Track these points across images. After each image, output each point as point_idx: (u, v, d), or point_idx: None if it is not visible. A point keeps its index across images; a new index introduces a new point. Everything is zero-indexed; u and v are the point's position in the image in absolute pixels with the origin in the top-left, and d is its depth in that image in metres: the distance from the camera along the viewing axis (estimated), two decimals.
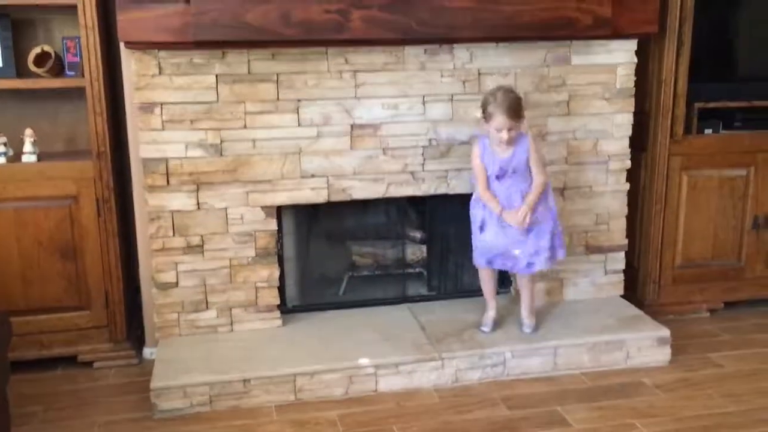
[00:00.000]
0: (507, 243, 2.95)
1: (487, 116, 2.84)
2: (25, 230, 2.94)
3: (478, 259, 3.06)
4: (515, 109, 2.81)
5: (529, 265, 2.99)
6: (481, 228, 3.00)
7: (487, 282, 3.13)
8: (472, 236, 3.05)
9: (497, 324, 3.11)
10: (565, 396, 2.86)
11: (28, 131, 2.96)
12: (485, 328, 3.09)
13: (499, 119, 2.80)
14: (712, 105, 3.45)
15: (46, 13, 3.10)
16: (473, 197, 3.04)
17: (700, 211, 3.49)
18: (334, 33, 2.82)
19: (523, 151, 2.89)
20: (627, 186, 3.36)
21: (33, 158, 2.96)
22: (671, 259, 3.52)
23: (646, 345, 3.08)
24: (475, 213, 3.02)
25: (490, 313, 3.12)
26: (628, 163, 3.33)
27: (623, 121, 3.28)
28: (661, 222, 3.46)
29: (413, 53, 3.03)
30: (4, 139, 2.94)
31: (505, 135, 2.82)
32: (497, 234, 2.96)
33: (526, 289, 3.11)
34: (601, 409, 2.77)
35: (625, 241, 3.41)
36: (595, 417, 2.71)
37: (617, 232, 3.39)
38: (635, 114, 3.30)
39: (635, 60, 3.24)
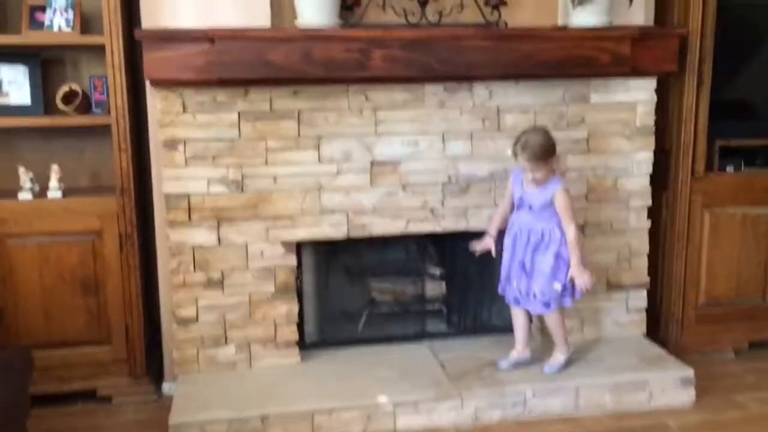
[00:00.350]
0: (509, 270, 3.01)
1: (514, 155, 2.87)
2: (48, 265, 2.98)
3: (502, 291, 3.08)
4: (536, 152, 2.82)
5: (516, 301, 3.00)
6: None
7: (514, 317, 3.10)
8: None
9: (518, 366, 3.07)
10: None
11: (55, 167, 3.01)
12: (502, 363, 3.06)
13: (520, 161, 2.85)
14: (733, 143, 3.43)
15: (74, 52, 3.17)
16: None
17: (722, 249, 3.46)
18: (355, 71, 2.86)
19: (549, 193, 2.89)
20: (648, 223, 3.34)
21: (58, 194, 3.00)
22: (694, 298, 3.47)
23: (669, 386, 3.03)
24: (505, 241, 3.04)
25: (513, 352, 3.09)
26: (649, 201, 3.32)
27: (644, 158, 3.27)
28: (684, 260, 3.43)
29: (433, 91, 3.06)
30: (30, 175, 3.00)
31: (529, 175, 2.86)
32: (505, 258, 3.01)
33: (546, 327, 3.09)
34: None
35: (647, 279, 3.38)
36: None
37: (639, 269, 3.35)
38: (656, 152, 3.29)
39: (655, 98, 3.24)
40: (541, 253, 2.93)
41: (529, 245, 2.93)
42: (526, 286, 2.97)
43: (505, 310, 3.44)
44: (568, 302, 3.00)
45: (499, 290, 3.08)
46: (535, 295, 2.96)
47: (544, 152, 2.84)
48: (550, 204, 2.90)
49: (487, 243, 3.02)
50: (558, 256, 2.92)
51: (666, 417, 2.95)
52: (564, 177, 3.01)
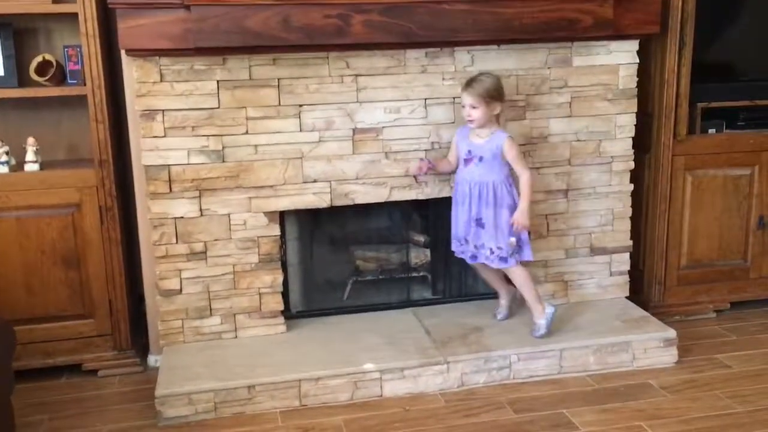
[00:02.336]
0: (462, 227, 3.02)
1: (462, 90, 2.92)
2: (28, 239, 2.94)
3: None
4: (485, 88, 2.87)
5: (473, 257, 3.02)
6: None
7: (480, 271, 3.14)
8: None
9: (511, 312, 3.17)
10: (572, 399, 2.84)
11: (31, 140, 2.96)
12: (498, 315, 3.16)
13: (463, 95, 2.90)
14: (715, 105, 3.43)
15: (47, 21, 3.10)
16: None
17: (704, 211, 3.48)
18: (335, 37, 2.82)
19: (495, 145, 2.92)
20: (631, 187, 3.35)
21: (35, 167, 2.96)
22: (676, 260, 3.51)
23: (652, 346, 3.07)
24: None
25: (501, 301, 3.17)
26: (631, 164, 3.32)
27: (626, 121, 3.27)
28: (666, 222, 3.45)
29: (414, 56, 3.03)
30: (6, 148, 2.94)
31: (467, 110, 2.88)
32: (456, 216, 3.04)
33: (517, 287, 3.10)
34: (608, 411, 2.75)
35: (630, 242, 3.40)
36: (602, 419, 2.70)
37: (622, 233, 3.37)
38: (638, 115, 3.29)
39: (637, 60, 3.23)
40: (495, 207, 2.93)
41: (482, 200, 2.94)
42: (482, 242, 2.97)
43: None
44: (527, 254, 3.01)
45: (453, 249, 3.08)
46: (492, 250, 2.96)
47: (489, 92, 2.88)
48: (499, 155, 2.92)
49: (421, 165, 3.03)
50: (513, 209, 2.94)
51: (649, 377, 2.99)
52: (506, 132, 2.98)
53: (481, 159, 2.93)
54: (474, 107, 2.87)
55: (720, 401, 2.82)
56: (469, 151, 2.95)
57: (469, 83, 2.89)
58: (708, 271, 3.55)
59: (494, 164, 2.93)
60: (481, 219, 2.96)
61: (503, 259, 2.97)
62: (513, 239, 2.94)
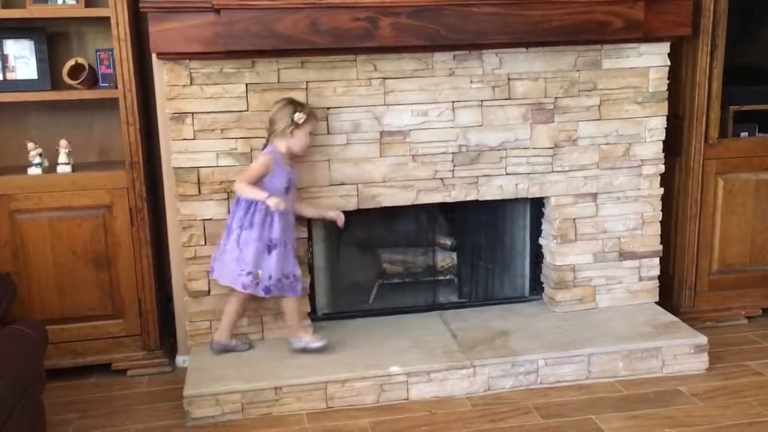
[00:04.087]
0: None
1: (302, 122, 2.81)
2: (60, 240, 2.98)
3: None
4: None
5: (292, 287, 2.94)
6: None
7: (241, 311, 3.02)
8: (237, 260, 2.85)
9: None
10: (600, 404, 2.81)
11: (63, 142, 3.01)
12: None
13: (315, 123, 2.88)
14: (747, 108, 3.38)
15: (80, 25, 3.15)
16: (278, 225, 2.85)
17: (736, 215, 3.43)
18: (363, 40, 2.83)
19: (296, 175, 2.91)
20: (661, 191, 3.31)
21: (68, 169, 3.00)
22: (707, 265, 3.46)
23: (682, 352, 3.02)
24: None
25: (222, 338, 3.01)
26: (661, 168, 3.28)
27: (656, 125, 3.24)
28: (697, 227, 3.40)
29: (442, 59, 3.02)
30: (39, 150, 2.99)
31: (305, 144, 2.85)
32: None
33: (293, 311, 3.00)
34: (637, 417, 2.72)
35: (660, 247, 3.35)
36: (631, 426, 2.66)
37: (652, 237, 3.33)
38: (669, 118, 3.25)
39: (668, 63, 3.19)
40: (293, 230, 2.94)
41: (290, 225, 2.91)
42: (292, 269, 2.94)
43: (517, 280, 3.45)
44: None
45: (264, 292, 2.87)
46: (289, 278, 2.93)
47: None
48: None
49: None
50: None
51: (679, 383, 2.95)
52: None
53: (292, 186, 2.90)
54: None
55: (752, 409, 2.77)
56: (289, 179, 2.87)
57: (312, 116, 2.86)
58: (740, 277, 3.50)
59: (296, 195, 2.95)
60: (292, 245, 2.95)
61: (294, 289, 2.96)
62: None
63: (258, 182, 2.80)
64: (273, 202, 2.73)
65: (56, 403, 2.87)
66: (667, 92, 3.22)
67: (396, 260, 3.50)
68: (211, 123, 2.92)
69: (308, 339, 2.98)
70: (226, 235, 2.88)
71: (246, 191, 2.78)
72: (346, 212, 3.10)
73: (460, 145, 3.11)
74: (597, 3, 2.93)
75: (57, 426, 2.73)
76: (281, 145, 2.85)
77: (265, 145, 2.89)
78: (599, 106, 3.17)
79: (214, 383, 2.77)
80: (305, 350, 2.96)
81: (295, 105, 2.84)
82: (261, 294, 2.88)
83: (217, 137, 2.93)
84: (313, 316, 3.20)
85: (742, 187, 3.41)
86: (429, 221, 3.48)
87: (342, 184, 3.04)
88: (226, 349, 2.98)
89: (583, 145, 3.19)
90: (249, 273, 2.83)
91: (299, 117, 2.80)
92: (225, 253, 2.87)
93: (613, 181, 3.25)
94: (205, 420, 2.72)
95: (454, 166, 3.12)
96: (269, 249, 2.85)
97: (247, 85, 2.91)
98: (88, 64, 3.02)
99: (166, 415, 2.81)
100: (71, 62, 2.99)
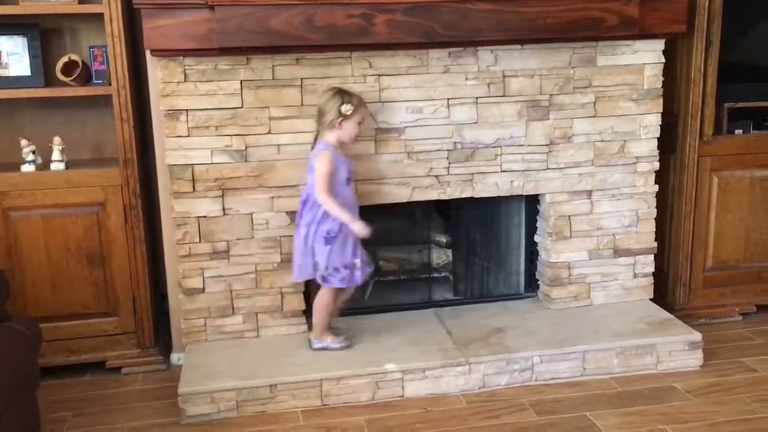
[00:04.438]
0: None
1: (351, 113, 2.78)
2: (54, 237, 2.97)
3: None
4: None
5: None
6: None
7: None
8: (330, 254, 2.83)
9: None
10: (595, 401, 2.82)
11: (57, 139, 2.99)
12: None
13: (365, 112, 2.84)
14: (741, 105, 3.39)
15: (73, 22, 3.14)
16: (322, 212, 2.80)
17: (731, 212, 3.43)
18: (358, 37, 2.82)
19: (349, 161, 2.89)
20: (656, 188, 3.31)
21: (61, 166, 2.99)
22: (702, 262, 3.46)
23: (677, 349, 3.03)
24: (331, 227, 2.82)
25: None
26: (656, 165, 3.29)
27: (651, 122, 3.24)
28: (691, 224, 3.41)
29: (437, 56, 3.02)
30: (33, 148, 2.98)
31: (353, 134, 2.83)
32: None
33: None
34: (632, 414, 2.72)
35: (655, 244, 3.36)
36: (626, 422, 2.67)
37: (646, 234, 3.34)
38: (663, 115, 3.25)
39: (663, 60, 3.20)
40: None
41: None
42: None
43: (512, 277, 3.45)
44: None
45: (357, 280, 2.90)
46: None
47: None
48: None
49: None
50: None
51: (673, 380, 2.96)
52: None
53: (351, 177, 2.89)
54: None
55: (746, 405, 2.78)
56: (348, 170, 2.87)
57: (361, 104, 2.83)
58: (734, 274, 3.51)
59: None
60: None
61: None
62: None
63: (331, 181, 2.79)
64: (357, 227, 2.78)
65: (50, 401, 2.86)
66: (662, 89, 3.22)
67: (391, 257, 3.50)
68: (205, 120, 2.91)
69: (329, 340, 2.98)
70: (297, 234, 2.88)
71: (333, 209, 2.77)
72: None
73: (455, 142, 3.10)
74: (592, 0, 2.93)
75: (51, 424, 2.72)
76: (331, 136, 2.83)
77: (316, 137, 2.87)
78: (594, 103, 3.17)
79: (209, 381, 2.76)
80: (326, 349, 2.97)
81: (343, 95, 2.81)
82: (357, 283, 2.91)
83: (211, 134, 2.92)
84: (309, 313, 3.19)
85: (736, 185, 3.41)
86: (424, 218, 3.47)
87: None
88: (323, 347, 2.97)
89: (578, 142, 3.19)
90: (345, 267, 2.85)
91: (347, 109, 2.78)
92: (296, 251, 2.88)
93: (608, 179, 3.25)
94: (200, 418, 2.72)
95: (450, 163, 3.11)
96: (327, 241, 2.82)
97: (241, 81, 2.91)
98: (82, 61, 3.00)
99: (161, 413, 2.80)
100: (65, 59, 2.97)
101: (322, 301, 2.95)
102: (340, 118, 2.79)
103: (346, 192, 2.85)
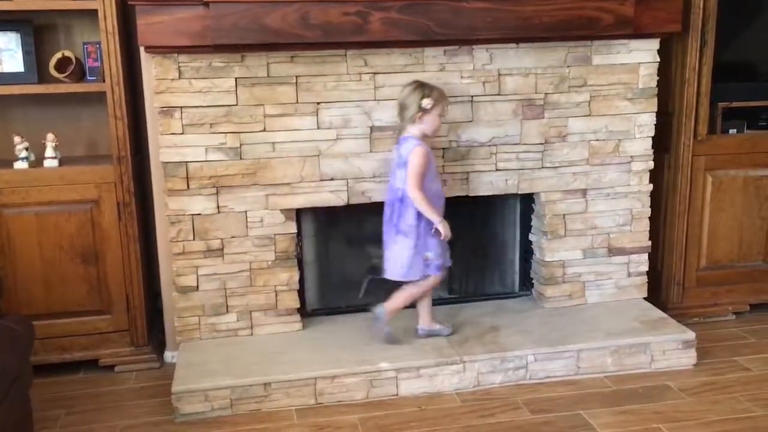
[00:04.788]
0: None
1: (431, 106, 2.81)
2: (47, 235, 2.96)
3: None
4: None
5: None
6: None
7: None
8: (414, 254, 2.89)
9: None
10: (589, 400, 2.82)
11: (50, 136, 2.98)
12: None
13: (445, 103, 2.87)
14: (736, 105, 3.40)
15: (67, 18, 3.12)
16: (412, 210, 2.86)
17: (724, 211, 3.44)
18: (354, 35, 2.82)
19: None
20: (650, 187, 3.32)
21: (55, 163, 2.98)
22: (695, 261, 3.47)
23: (670, 348, 3.04)
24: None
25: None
26: (651, 164, 3.29)
27: (646, 121, 3.24)
28: (685, 223, 3.42)
29: (432, 55, 3.01)
30: (26, 144, 2.96)
31: (437, 125, 2.87)
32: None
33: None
34: (626, 413, 2.73)
35: (649, 243, 3.37)
36: (620, 421, 2.67)
37: (640, 233, 3.34)
38: (658, 114, 3.26)
39: (658, 59, 3.20)
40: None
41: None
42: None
43: (506, 276, 3.45)
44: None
45: (435, 270, 2.95)
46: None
47: None
48: None
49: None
50: None
51: (667, 379, 2.97)
52: None
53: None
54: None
55: (740, 404, 2.79)
56: (431, 162, 2.89)
57: (442, 96, 2.85)
58: (727, 273, 3.52)
59: None
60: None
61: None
62: None
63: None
64: (442, 228, 2.84)
65: (43, 399, 2.85)
66: (657, 89, 3.23)
67: None
68: (200, 117, 2.90)
69: (438, 327, 3.05)
70: (386, 233, 2.94)
71: (424, 206, 2.82)
72: (334, 208, 3.10)
73: (450, 141, 3.10)
74: None
75: (44, 422, 2.71)
76: (414, 130, 2.85)
77: (400, 132, 2.89)
78: (589, 102, 3.18)
79: (203, 379, 2.75)
80: (434, 335, 3.03)
81: (423, 89, 2.83)
82: (435, 273, 2.95)
83: (206, 132, 2.91)
84: (303, 311, 3.19)
85: (730, 184, 3.42)
86: None
87: (332, 179, 3.03)
88: (430, 334, 3.01)
89: (573, 141, 3.19)
90: (420, 260, 2.90)
91: (427, 103, 2.81)
92: (397, 253, 2.91)
93: (603, 178, 3.25)
94: (193, 416, 2.71)
95: (444, 161, 3.11)
96: (434, 231, 2.88)
97: (236, 79, 2.90)
98: (76, 58, 2.99)
99: (155, 411, 2.79)
100: (58, 55, 2.96)
101: (413, 291, 2.98)
102: (421, 112, 2.81)
103: (436, 186, 2.90)
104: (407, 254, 2.89)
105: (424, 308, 3.03)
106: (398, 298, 2.99)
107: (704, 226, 3.44)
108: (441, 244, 2.92)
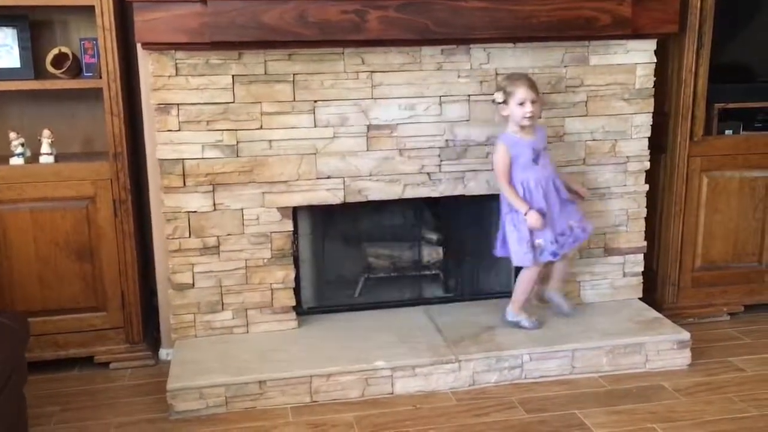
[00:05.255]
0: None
1: (508, 96, 2.89)
2: (42, 231, 2.95)
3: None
4: (533, 81, 2.92)
5: (584, 232, 3.06)
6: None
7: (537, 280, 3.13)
8: (517, 240, 2.97)
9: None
10: (584, 399, 2.83)
11: (46, 132, 2.97)
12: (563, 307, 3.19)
13: (521, 90, 2.87)
14: (732, 106, 3.40)
15: (63, 14, 3.11)
16: (506, 200, 3.00)
17: (720, 212, 3.45)
18: (351, 33, 2.82)
19: (543, 135, 2.98)
20: (646, 187, 3.32)
21: (50, 159, 2.97)
22: (691, 262, 3.48)
23: (665, 348, 3.04)
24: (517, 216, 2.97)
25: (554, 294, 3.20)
26: (647, 164, 3.30)
27: (642, 121, 3.25)
28: (681, 224, 3.43)
29: (430, 53, 3.01)
30: (21, 140, 2.95)
31: (529, 107, 2.87)
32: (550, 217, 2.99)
33: (563, 265, 3.16)
34: (620, 413, 2.73)
35: (644, 243, 3.37)
36: (614, 421, 2.68)
37: (636, 233, 3.35)
38: (654, 115, 3.27)
39: (655, 60, 3.21)
40: (559, 193, 2.99)
41: (558, 190, 2.99)
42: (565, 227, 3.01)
43: (502, 275, 3.45)
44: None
45: (551, 257, 2.99)
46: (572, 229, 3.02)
47: (536, 84, 2.94)
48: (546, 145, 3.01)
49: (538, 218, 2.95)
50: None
51: (662, 379, 2.97)
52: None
53: (545, 149, 2.99)
54: (534, 102, 2.89)
55: (734, 404, 2.80)
56: (533, 149, 2.94)
57: (525, 79, 2.90)
58: (722, 274, 3.53)
59: (547, 156, 3.01)
60: (566, 198, 3.02)
61: (585, 230, 3.06)
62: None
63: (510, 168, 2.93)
64: (531, 219, 2.89)
65: (38, 395, 2.84)
66: (654, 89, 3.24)
67: (382, 254, 3.49)
68: (196, 114, 2.89)
69: (524, 317, 3.10)
70: (502, 222, 3.00)
71: (512, 198, 2.93)
72: (331, 206, 3.10)
73: (447, 140, 3.10)
74: None
75: (39, 419, 2.70)
76: (510, 124, 2.94)
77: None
78: (586, 102, 3.18)
79: (198, 377, 2.75)
80: (517, 325, 3.09)
81: (499, 84, 2.94)
82: (552, 259, 3.01)
83: (202, 129, 2.91)
84: (298, 309, 3.19)
85: (726, 185, 3.43)
86: (415, 216, 3.47)
87: (328, 177, 3.03)
88: (516, 324, 3.08)
89: (570, 141, 3.20)
90: (532, 247, 2.95)
91: (496, 97, 2.93)
92: (507, 237, 3.00)
93: (599, 177, 3.26)
94: (188, 413, 2.71)
95: (441, 160, 3.11)
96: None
97: (233, 76, 2.89)
98: (72, 54, 2.98)
99: (150, 409, 2.79)
100: (55, 51, 2.95)
101: (523, 276, 3.06)
102: (501, 107, 2.92)
103: (531, 172, 2.94)
104: (512, 241, 2.98)
105: (523, 297, 3.09)
106: (515, 291, 3.09)
107: (699, 226, 3.45)
108: (554, 227, 2.97)
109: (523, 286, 3.07)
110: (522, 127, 2.92)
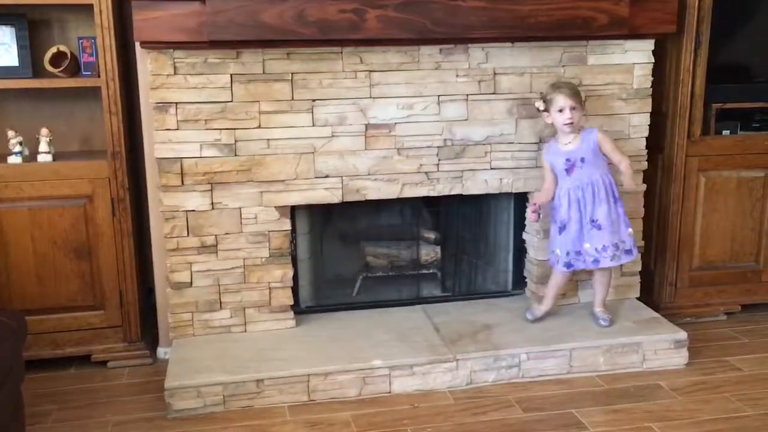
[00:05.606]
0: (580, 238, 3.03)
1: (548, 103, 2.96)
2: (40, 230, 2.95)
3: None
4: (574, 88, 2.97)
5: (596, 261, 3.02)
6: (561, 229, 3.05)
7: (557, 278, 3.14)
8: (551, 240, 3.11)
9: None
10: (581, 399, 2.83)
11: (44, 131, 2.97)
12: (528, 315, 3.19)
13: (560, 98, 2.92)
14: (729, 106, 3.41)
15: (62, 12, 3.11)
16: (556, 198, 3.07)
17: (717, 212, 3.46)
18: (350, 32, 2.82)
19: (591, 142, 2.98)
20: (643, 187, 3.33)
21: (48, 158, 2.97)
22: (688, 261, 3.49)
23: (662, 348, 3.05)
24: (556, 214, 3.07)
25: (542, 308, 3.18)
26: (644, 164, 3.30)
27: (640, 121, 3.25)
28: (678, 224, 3.43)
29: (428, 53, 3.02)
30: (20, 139, 2.95)
31: (567, 113, 2.90)
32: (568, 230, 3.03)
33: (599, 284, 3.17)
34: (617, 412, 2.74)
35: (642, 243, 3.38)
36: (611, 420, 2.69)
37: (634, 233, 3.34)
38: (652, 115, 3.27)
39: (652, 60, 3.21)
40: (607, 202, 2.99)
41: (595, 198, 2.99)
42: (602, 244, 2.99)
43: (500, 275, 3.46)
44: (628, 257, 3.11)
45: (565, 267, 3.05)
46: (617, 246, 3.01)
47: (580, 92, 2.99)
48: (597, 150, 2.99)
49: (534, 210, 3.06)
50: (616, 200, 3.03)
51: (659, 378, 2.98)
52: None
53: (583, 160, 2.97)
54: (574, 109, 2.91)
55: (731, 404, 2.80)
56: (567, 159, 2.98)
57: (565, 87, 2.95)
58: (720, 273, 3.53)
59: (596, 161, 2.99)
60: (596, 220, 2.98)
61: (629, 252, 3.05)
62: (631, 229, 3.06)
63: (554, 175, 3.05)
64: (529, 214, 3.08)
65: (35, 394, 2.84)
66: (651, 89, 3.24)
67: (380, 253, 3.50)
68: (195, 113, 2.89)
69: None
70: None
71: (536, 196, 3.12)
72: (329, 205, 3.10)
73: (445, 139, 3.11)
74: None
75: (36, 417, 2.71)
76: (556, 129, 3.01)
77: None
78: (584, 102, 3.18)
79: (196, 375, 2.75)
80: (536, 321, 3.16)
81: (547, 88, 3.00)
82: (563, 270, 3.07)
83: (201, 128, 2.91)
84: (296, 308, 3.19)
85: (723, 185, 3.44)
86: (413, 215, 3.48)
87: (327, 176, 3.03)
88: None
89: None
90: (552, 252, 3.08)
91: (538, 104, 3.00)
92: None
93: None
94: (186, 412, 2.71)
95: (439, 160, 3.12)
96: (560, 230, 3.03)
97: (231, 75, 2.89)
98: (71, 52, 2.98)
99: (147, 407, 2.79)
100: (53, 50, 2.95)
101: (549, 281, 3.16)
102: (544, 114, 2.99)
103: (564, 181, 3.01)
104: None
105: (552, 296, 3.16)
106: (546, 293, 3.18)
107: (697, 226, 3.46)
108: (572, 242, 3.01)
109: (548, 291, 3.17)
110: (564, 135, 2.98)
